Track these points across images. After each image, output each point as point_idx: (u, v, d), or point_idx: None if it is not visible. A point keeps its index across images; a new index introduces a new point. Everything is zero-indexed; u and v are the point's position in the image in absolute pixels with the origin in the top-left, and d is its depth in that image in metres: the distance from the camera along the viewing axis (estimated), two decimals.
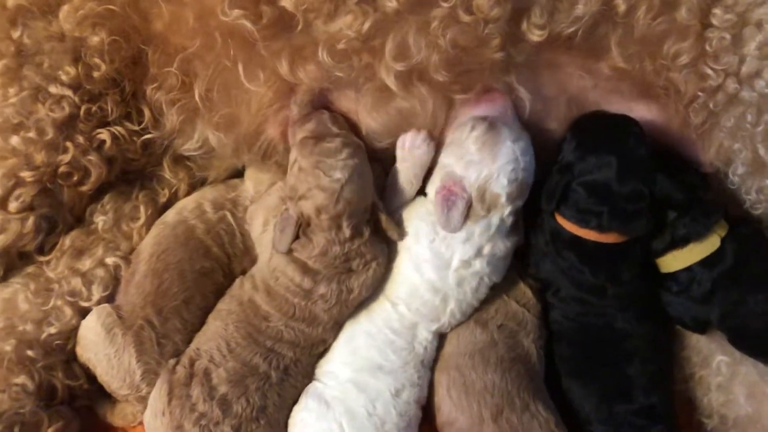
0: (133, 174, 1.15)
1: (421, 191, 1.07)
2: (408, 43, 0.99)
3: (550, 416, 0.98)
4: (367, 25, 0.97)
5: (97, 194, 1.11)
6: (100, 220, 1.11)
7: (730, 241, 1.03)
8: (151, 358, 0.99)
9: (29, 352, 1.01)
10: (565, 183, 1.02)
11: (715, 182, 1.06)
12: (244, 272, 1.09)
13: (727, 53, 0.99)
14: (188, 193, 1.16)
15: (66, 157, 1.03)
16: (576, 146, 1.03)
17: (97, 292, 1.06)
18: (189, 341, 1.02)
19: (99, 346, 1.00)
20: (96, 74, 1.03)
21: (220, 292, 1.06)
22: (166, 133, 1.10)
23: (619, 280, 1.03)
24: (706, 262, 1.03)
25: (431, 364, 1.03)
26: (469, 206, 1.01)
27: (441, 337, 1.05)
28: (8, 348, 1.00)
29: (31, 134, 1.01)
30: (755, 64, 0.98)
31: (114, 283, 1.08)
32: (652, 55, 1.02)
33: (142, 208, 1.13)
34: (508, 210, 1.01)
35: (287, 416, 0.98)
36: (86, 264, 1.08)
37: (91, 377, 1.03)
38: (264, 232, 1.07)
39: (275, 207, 1.08)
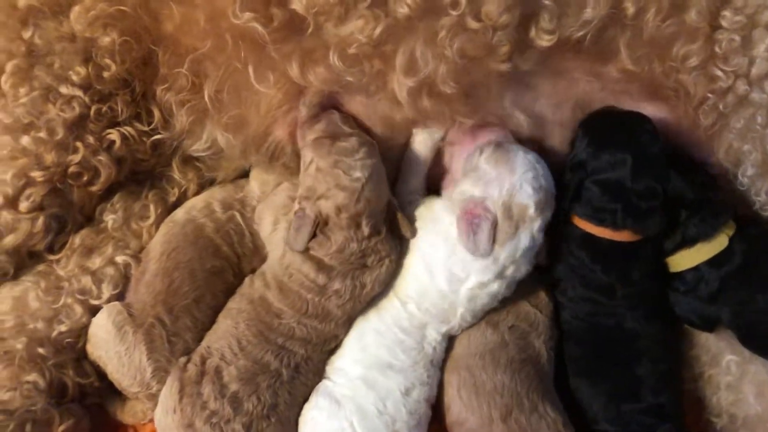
0: (143, 174, 1.15)
1: (433, 191, 1.07)
2: (416, 55, 0.98)
3: (558, 417, 0.98)
4: (378, 30, 0.96)
5: (107, 194, 1.12)
6: (110, 219, 1.11)
7: (739, 241, 1.03)
8: (162, 355, 0.99)
9: (40, 350, 1.01)
10: (578, 181, 1.02)
11: (725, 184, 1.06)
12: (253, 272, 1.09)
13: (737, 55, 0.99)
14: (197, 193, 1.17)
15: (76, 157, 1.03)
16: (588, 143, 1.03)
17: (107, 291, 1.06)
18: (199, 340, 1.02)
19: (110, 343, 1.00)
20: (106, 75, 1.03)
21: (230, 292, 1.06)
22: (175, 133, 1.10)
23: (630, 280, 1.03)
24: (714, 262, 1.03)
25: (441, 364, 1.03)
26: (494, 227, 0.97)
27: (451, 338, 1.04)
28: (19, 346, 1.01)
29: (42, 134, 1.01)
30: (765, 65, 0.99)
31: (124, 281, 1.08)
32: (661, 57, 1.02)
33: (151, 207, 1.13)
34: (538, 224, 0.98)
35: (298, 414, 0.98)
36: (96, 262, 1.08)
37: (102, 375, 1.03)
38: (274, 231, 1.07)
39: (284, 206, 1.08)
